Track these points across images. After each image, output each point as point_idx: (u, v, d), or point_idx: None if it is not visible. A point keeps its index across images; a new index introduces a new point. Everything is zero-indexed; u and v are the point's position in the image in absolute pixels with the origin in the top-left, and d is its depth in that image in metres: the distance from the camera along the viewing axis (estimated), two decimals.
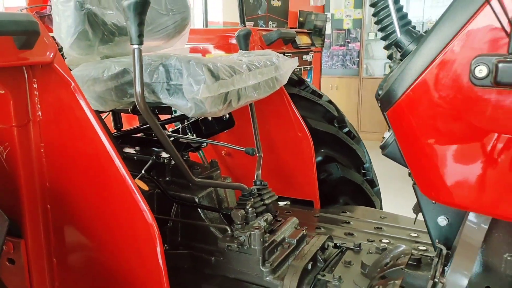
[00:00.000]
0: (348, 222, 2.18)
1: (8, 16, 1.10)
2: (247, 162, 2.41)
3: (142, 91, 1.36)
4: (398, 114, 1.20)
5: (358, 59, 8.55)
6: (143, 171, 1.71)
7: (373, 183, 2.75)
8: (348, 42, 8.73)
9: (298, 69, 8.20)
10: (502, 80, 0.96)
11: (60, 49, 1.62)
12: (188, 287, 1.63)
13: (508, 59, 0.95)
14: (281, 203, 2.45)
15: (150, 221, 1.25)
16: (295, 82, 2.72)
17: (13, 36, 1.11)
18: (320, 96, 2.78)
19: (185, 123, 2.31)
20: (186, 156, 2.07)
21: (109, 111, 1.87)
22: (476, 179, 1.12)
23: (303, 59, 8.92)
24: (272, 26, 7.37)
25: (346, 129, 2.75)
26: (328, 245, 1.84)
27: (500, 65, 0.95)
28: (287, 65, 1.97)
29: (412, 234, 2.00)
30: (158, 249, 1.24)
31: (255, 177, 1.97)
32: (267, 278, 1.63)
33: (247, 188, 1.83)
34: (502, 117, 1.03)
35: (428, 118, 1.14)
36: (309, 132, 2.37)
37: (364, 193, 2.65)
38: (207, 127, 2.36)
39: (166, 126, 2.36)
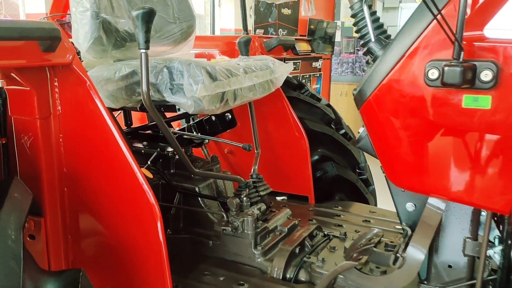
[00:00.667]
0: (339, 215, 2.34)
1: (35, 24, 1.30)
2: (247, 159, 2.59)
3: (148, 89, 1.56)
4: (368, 111, 1.38)
5: (367, 66, 8.70)
6: (149, 162, 1.91)
7: (367, 182, 2.91)
8: (358, 50, 8.90)
9: (307, 76, 8.38)
10: (447, 81, 1.14)
11: (78, 53, 1.83)
12: (188, 268, 1.82)
13: (453, 63, 1.13)
14: (278, 198, 2.63)
15: (152, 201, 1.44)
16: (295, 86, 2.90)
17: (38, 41, 1.32)
18: (318, 99, 2.95)
19: (191, 122, 2.52)
20: (189, 152, 2.26)
21: (120, 109, 2.07)
22: (432, 167, 1.29)
23: (313, 66, 9.08)
24: (282, 34, 7.57)
25: (343, 131, 2.92)
26: (316, 233, 2.01)
27: (446, 68, 1.13)
28: (282, 69, 2.15)
29: (397, 227, 2.15)
30: (159, 225, 1.43)
31: (252, 171, 2.15)
32: (258, 260, 1.81)
33: (243, 180, 2.02)
34: (450, 113, 1.20)
35: (392, 114, 1.32)
36: (306, 133, 2.55)
37: (358, 191, 2.81)
38: (211, 126, 2.57)
39: (173, 125, 2.56)
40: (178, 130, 2.43)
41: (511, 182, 1.16)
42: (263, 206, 1.99)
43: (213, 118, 2.56)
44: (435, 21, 1.16)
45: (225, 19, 10.33)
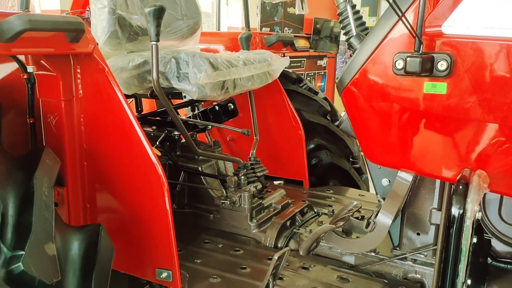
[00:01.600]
0: (330, 198, 2.56)
1: (63, 18, 1.54)
2: (247, 146, 2.80)
3: (158, 77, 1.79)
4: (348, 96, 1.59)
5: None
6: (157, 142, 2.14)
7: (360, 170, 3.12)
8: None
9: (312, 73, 8.55)
10: (409, 70, 1.35)
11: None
12: (191, 237, 2.04)
13: (414, 55, 1.34)
14: (275, 182, 2.84)
15: (160, 173, 1.66)
16: (294, 80, 3.12)
17: (65, 33, 1.55)
18: (316, 93, 3.17)
19: (196, 112, 2.75)
20: (194, 137, 2.48)
21: (131, 97, 2.30)
22: (400, 145, 1.51)
23: (318, 64, 9.25)
24: (288, 32, 7.76)
25: (338, 122, 3.13)
26: (307, 211, 2.23)
27: (408, 59, 1.35)
28: (279, 63, 2.38)
29: None
30: (166, 194, 1.65)
31: (250, 154, 2.38)
32: (253, 231, 2.03)
33: (242, 162, 2.25)
34: (413, 97, 1.42)
35: (367, 100, 1.54)
36: (303, 123, 2.77)
37: (351, 179, 3.02)
38: (214, 115, 2.79)
39: (180, 113, 2.79)
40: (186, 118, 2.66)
41: (458, 156, 1.37)
42: (259, 185, 2.21)
43: (217, 108, 2.78)
44: (399, 20, 1.37)
45: (233, 17, 10.54)
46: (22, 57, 1.73)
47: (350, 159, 3.13)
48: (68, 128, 1.76)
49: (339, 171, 3.00)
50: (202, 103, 2.82)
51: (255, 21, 8.75)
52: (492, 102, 1.30)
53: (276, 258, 1.45)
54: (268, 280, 1.47)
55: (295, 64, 7.22)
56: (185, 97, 2.09)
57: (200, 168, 2.20)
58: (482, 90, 1.31)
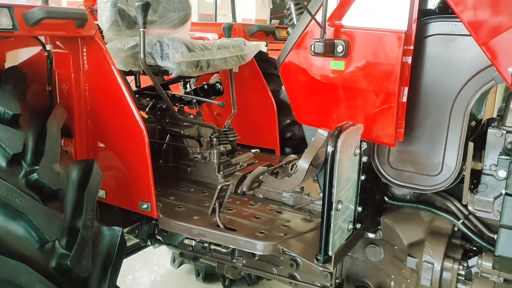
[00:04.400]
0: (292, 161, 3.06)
1: (72, 10, 2.10)
2: (232, 120, 3.34)
3: (144, 56, 2.33)
4: (283, 71, 2.10)
5: None
6: (147, 109, 2.69)
7: None
8: None
9: None
10: (316, 51, 1.85)
11: (101, 31, 2.62)
12: (171, 184, 2.59)
13: (320, 41, 1.84)
14: (252, 150, 3.37)
15: (142, 128, 2.20)
16: (276, 65, 3.62)
17: (74, 21, 2.10)
18: None
19: (188, 89, 3.29)
20: (182, 109, 3.02)
21: (131, 74, 2.85)
22: (319, 109, 2.01)
23: None
24: None
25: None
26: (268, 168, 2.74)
27: (315, 43, 1.85)
28: (251, 49, 2.89)
29: None
30: (146, 142, 2.19)
31: (225, 123, 2.91)
32: (220, 181, 2.57)
33: (216, 128, 2.78)
34: (325, 72, 1.92)
35: (294, 73, 2.05)
36: (277, 102, 3.27)
37: None
38: (204, 92, 3.32)
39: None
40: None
41: (350, 114, 1.86)
42: (229, 147, 2.74)
43: (205, 86, 3.31)
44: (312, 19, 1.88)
45: (247, 10, 11.08)
46: (42, 40, 2.30)
47: None
48: (76, 94, 2.33)
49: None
50: (194, 82, 3.36)
51: (265, 14, 9.24)
52: (372, 76, 1.80)
53: (219, 187, 1.98)
54: (214, 205, 2.01)
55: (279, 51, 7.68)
56: (171, 73, 2.63)
57: (182, 131, 2.74)
58: (365, 67, 1.81)
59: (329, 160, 1.64)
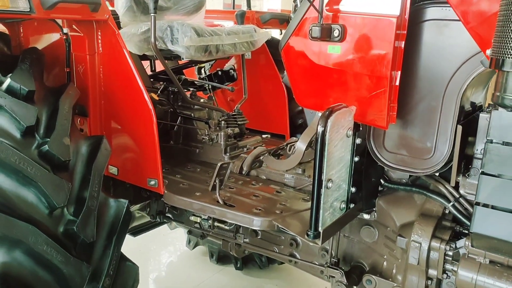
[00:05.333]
0: None
1: None
2: (243, 106, 3.43)
3: (155, 40, 2.44)
4: (284, 55, 2.17)
5: None
6: (158, 92, 2.81)
7: None
8: None
9: None
10: (313, 35, 1.92)
11: (117, 17, 2.75)
12: (180, 163, 2.70)
13: (317, 25, 1.90)
14: (263, 136, 3.45)
15: (150, 108, 2.31)
16: None
17: (88, 5, 2.22)
18: None
19: (203, 75, 3.40)
20: (195, 94, 3.12)
21: (146, 59, 2.97)
22: (315, 92, 2.08)
23: None
24: None
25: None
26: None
27: (313, 28, 1.92)
28: (262, 35, 2.97)
29: None
30: (154, 122, 2.30)
31: (235, 107, 3.00)
32: (226, 161, 2.67)
33: (225, 111, 2.88)
34: (322, 56, 1.98)
35: (295, 57, 2.12)
36: (286, 88, 3.34)
37: None
38: (218, 78, 3.42)
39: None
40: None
41: (345, 97, 1.92)
42: (237, 130, 2.84)
43: (220, 72, 3.41)
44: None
45: (273, 1, 11.09)
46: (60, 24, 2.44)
47: None
48: (91, 75, 2.46)
49: None
50: (209, 68, 3.47)
51: (290, 5, 9.26)
52: (366, 60, 1.85)
53: (219, 165, 2.08)
54: (215, 182, 2.11)
55: None
56: (183, 58, 2.74)
57: (192, 114, 2.85)
58: (360, 51, 1.86)
59: (319, 139, 1.72)
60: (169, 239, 4.64)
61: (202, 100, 2.97)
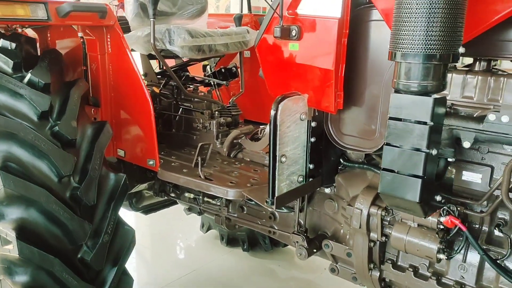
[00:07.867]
0: None
1: (94, 4, 2.67)
2: (243, 100, 3.81)
3: (154, 41, 2.86)
4: (258, 50, 2.53)
5: None
6: (161, 86, 3.24)
7: None
8: None
9: None
10: (275, 35, 2.28)
11: (126, 22, 3.20)
12: (177, 147, 3.12)
13: (278, 26, 2.26)
14: (261, 126, 3.82)
15: (148, 99, 2.74)
16: None
17: (97, 13, 2.67)
18: None
19: (208, 72, 3.81)
20: (197, 89, 3.53)
21: (152, 57, 3.40)
22: (281, 83, 2.44)
23: None
24: None
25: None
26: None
27: (275, 28, 2.28)
28: (254, 36, 3.34)
29: None
30: (151, 111, 2.73)
31: (230, 100, 3.39)
32: (218, 146, 3.06)
33: (220, 103, 3.28)
34: (285, 53, 2.33)
35: (266, 53, 2.48)
36: None
37: None
38: (222, 75, 3.82)
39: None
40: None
41: (301, 86, 2.27)
42: (229, 119, 3.22)
43: (223, 70, 3.81)
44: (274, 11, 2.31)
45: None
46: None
47: None
48: (102, 72, 2.92)
49: None
50: (214, 66, 3.88)
51: None
52: (317, 55, 2.20)
53: (200, 145, 2.47)
54: (197, 160, 2.50)
55: None
56: (182, 58, 3.15)
57: (191, 106, 3.26)
58: (312, 47, 2.21)
59: (272, 121, 2.08)
60: (186, 224, 5.09)
61: (202, 94, 3.38)
